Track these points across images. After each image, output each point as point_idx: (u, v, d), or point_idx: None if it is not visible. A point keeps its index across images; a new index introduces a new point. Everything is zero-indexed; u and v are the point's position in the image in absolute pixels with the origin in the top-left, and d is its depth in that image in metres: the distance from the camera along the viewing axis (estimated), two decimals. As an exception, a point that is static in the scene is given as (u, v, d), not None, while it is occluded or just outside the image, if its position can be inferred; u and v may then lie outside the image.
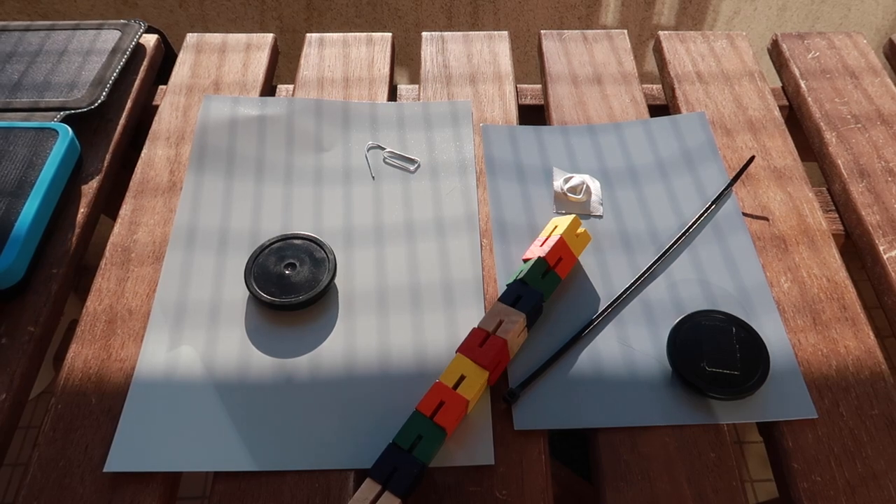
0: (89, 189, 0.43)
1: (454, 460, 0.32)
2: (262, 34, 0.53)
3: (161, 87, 0.52)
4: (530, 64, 0.98)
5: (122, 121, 0.48)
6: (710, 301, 0.37)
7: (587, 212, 0.42)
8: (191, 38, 0.53)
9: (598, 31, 0.54)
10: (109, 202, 0.45)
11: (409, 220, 0.41)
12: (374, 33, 0.54)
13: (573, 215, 0.38)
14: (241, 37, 0.53)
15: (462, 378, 0.32)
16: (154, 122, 0.47)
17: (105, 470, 0.31)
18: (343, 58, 0.52)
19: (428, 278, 0.39)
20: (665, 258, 0.39)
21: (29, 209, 0.38)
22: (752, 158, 0.43)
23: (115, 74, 0.48)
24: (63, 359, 0.35)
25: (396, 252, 0.40)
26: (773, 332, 0.36)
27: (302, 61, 0.52)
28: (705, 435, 0.33)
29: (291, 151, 0.45)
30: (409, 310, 0.37)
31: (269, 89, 0.51)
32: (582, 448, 0.35)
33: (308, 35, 0.53)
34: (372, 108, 0.48)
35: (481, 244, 0.40)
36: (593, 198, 0.42)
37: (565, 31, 0.54)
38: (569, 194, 0.42)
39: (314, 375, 0.35)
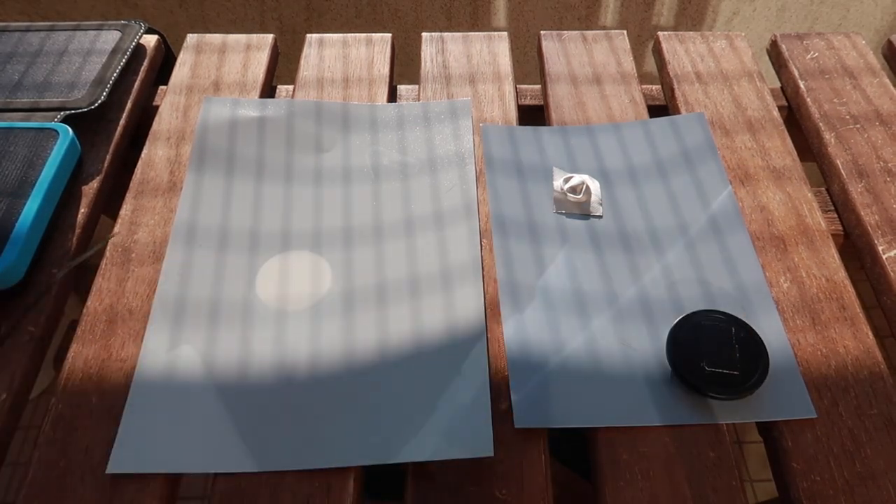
0: (89, 189, 0.43)
1: (453, 453, 0.32)
2: (262, 35, 0.53)
3: (161, 87, 0.52)
4: (530, 64, 0.98)
5: (122, 121, 0.48)
6: (709, 301, 0.38)
7: (587, 212, 0.42)
8: (191, 38, 0.53)
9: (598, 31, 0.54)
10: (109, 202, 0.45)
11: (409, 220, 0.41)
12: (373, 34, 0.54)
13: None
14: (241, 37, 0.53)
15: None
16: (154, 123, 0.47)
17: (108, 472, 0.31)
18: (343, 58, 0.52)
19: (428, 279, 0.39)
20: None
21: (29, 209, 0.38)
22: None
23: (115, 75, 0.48)
24: (63, 359, 0.35)
25: (396, 252, 0.40)
26: (773, 332, 0.36)
27: (302, 62, 0.52)
28: (705, 435, 0.33)
29: (291, 152, 0.45)
30: (409, 310, 0.37)
31: (269, 90, 0.51)
32: (582, 448, 0.35)
33: (308, 35, 0.53)
34: (371, 109, 0.48)
35: (481, 244, 0.40)
36: (593, 198, 0.42)
37: (565, 31, 0.54)
38: (568, 194, 0.42)
39: (314, 375, 0.35)
